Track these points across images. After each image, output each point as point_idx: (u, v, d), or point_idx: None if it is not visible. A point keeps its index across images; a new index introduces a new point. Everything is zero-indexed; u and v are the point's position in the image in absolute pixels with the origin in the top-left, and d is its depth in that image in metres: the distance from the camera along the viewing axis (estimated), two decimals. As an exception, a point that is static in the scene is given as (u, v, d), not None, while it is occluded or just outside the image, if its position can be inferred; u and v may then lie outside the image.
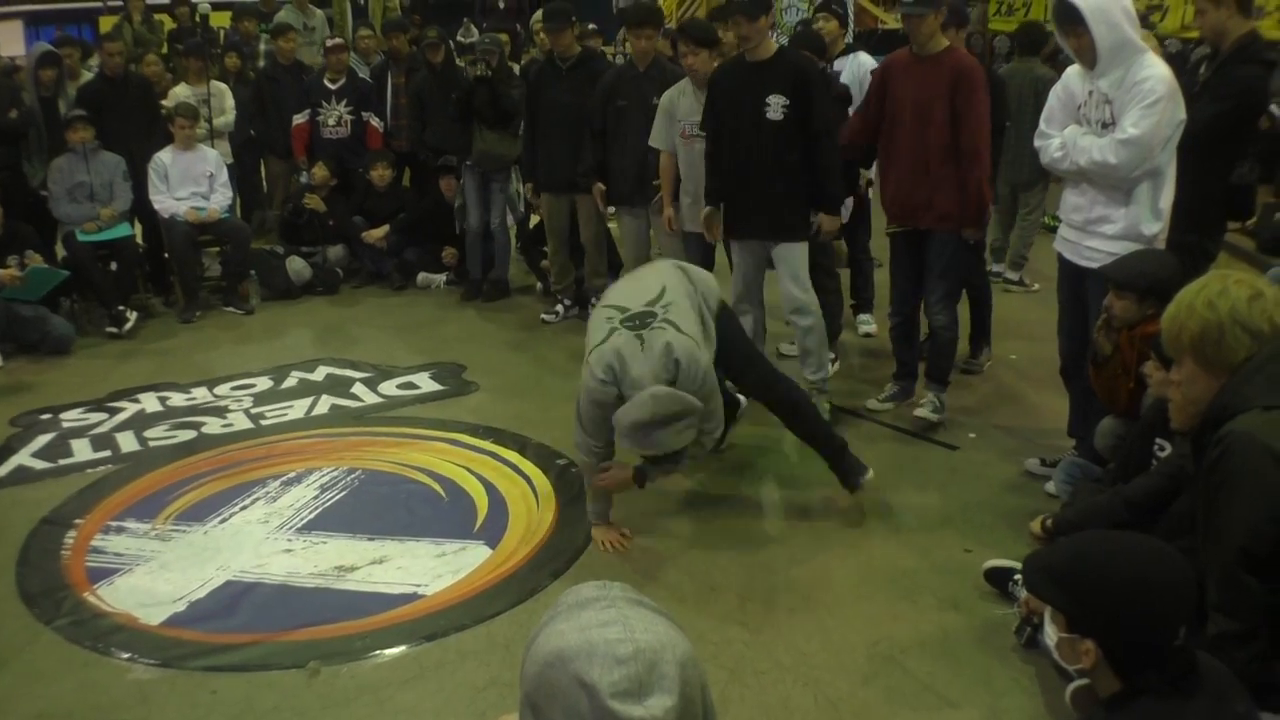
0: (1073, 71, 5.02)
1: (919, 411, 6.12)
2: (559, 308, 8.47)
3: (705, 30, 6.82)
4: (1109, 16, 4.65)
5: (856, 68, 7.26)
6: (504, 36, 9.54)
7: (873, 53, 8.00)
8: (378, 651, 4.14)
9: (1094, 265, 4.88)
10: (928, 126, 5.77)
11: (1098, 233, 4.91)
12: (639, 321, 4.63)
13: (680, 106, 6.78)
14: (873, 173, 6.99)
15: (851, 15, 8.07)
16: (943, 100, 5.72)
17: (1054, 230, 5.41)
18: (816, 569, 4.68)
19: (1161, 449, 4.22)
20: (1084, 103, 4.92)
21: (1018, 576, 4.23)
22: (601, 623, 1.42)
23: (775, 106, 5.94)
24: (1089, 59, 4.78)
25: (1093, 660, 2.40)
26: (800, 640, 4.15)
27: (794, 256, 6.14)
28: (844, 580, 4.58)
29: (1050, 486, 5.21)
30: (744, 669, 3.95)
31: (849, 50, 7.41)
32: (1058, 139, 5.01)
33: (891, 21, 15.45)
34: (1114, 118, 4.76)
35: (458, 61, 9.64)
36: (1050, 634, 3.38)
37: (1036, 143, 5.17)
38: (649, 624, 1.43)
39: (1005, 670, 3.93)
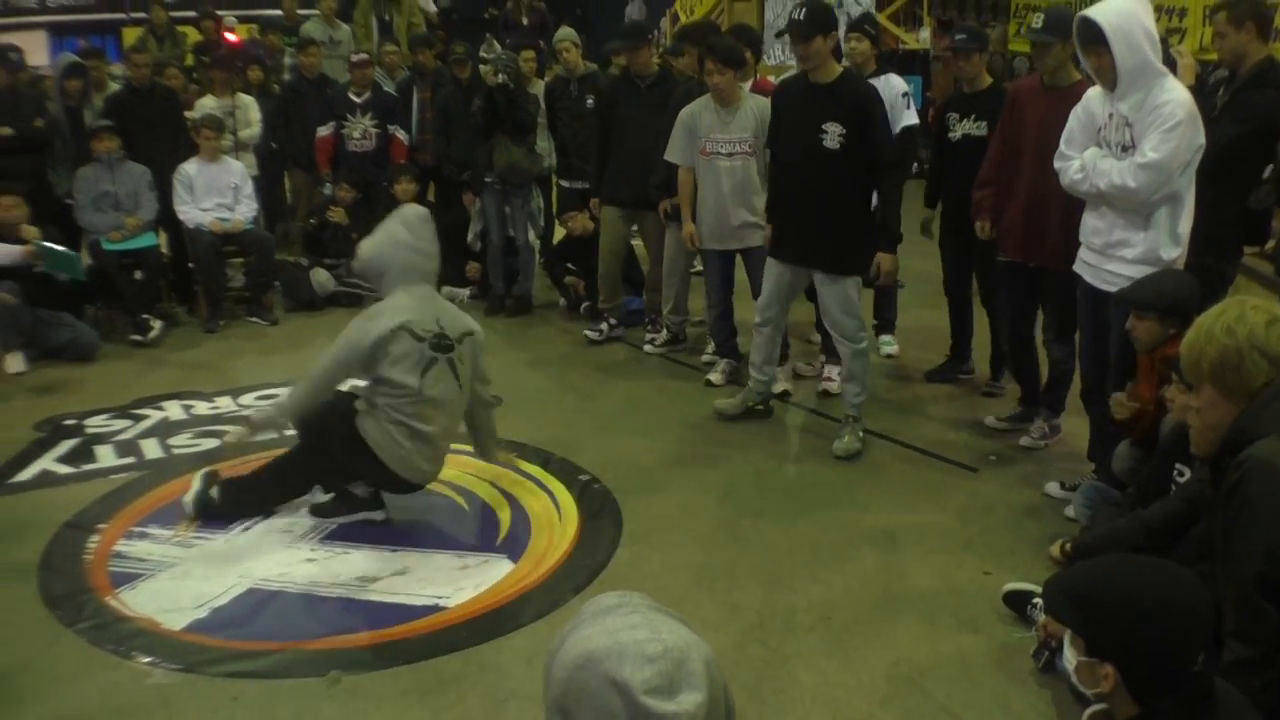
0: (1093, 93, 5.03)
1: (1024, 441, 6.16)
2: (603, 325, 8.42)
3: (732, 50, 6.82)
4: (1130, 38, 4.66)
5: (888, 90, 7.28)
6: (530, 54, 9.56)
7: (900, 73, 8.01)
8: (399, 662, 4.16)
9: (1113, 289, 4.89)
10: (1049, 160, 5.39)
11: (1117, 256, 4.91)
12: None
13: (702, 122, 6.82)
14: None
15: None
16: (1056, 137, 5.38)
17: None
18: (836, 589, 4.69)
19: (1181, 474, 4.23)
20: (1104, 125, 4.92)
21: (1036, 600, 4.23)
22: (629, 625, 1.46)
23: (832, 135, 5.82)
24: (1109, 80, 4.79)
25: (1111, 684, 2.41)
26: (819, 660, 4.15)
27: (844, 292, 6.08)
28: (863, 601, 4.59)
29: (1070, 510, 5.22)
30: (763, 687, 3.96)
31: (880, 71, 7.41)
32: (1078, 161, 5.00)
33: (913, 42, 15.50)
34: (1134, 141, 4.76)
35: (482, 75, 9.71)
36: (1069, 658, 3.38)
37: (1056, 164, 5.15)
38: (672, 627, 1.47)
39: (1023, 694, 3.93)
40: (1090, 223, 5.07)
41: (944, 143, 6.79)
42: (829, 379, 7.08)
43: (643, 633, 1.43)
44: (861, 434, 6.24)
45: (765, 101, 6.68)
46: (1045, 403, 6.20)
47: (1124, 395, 4.73)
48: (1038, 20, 5.82)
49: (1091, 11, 4.76)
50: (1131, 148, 4.76)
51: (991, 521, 5.29)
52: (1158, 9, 15.06)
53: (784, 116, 6.15)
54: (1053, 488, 5.53)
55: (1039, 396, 6.25)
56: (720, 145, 6.77)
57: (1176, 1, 11.66)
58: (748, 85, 7.14)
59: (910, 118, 7.37)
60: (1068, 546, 4.53)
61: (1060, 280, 5.58)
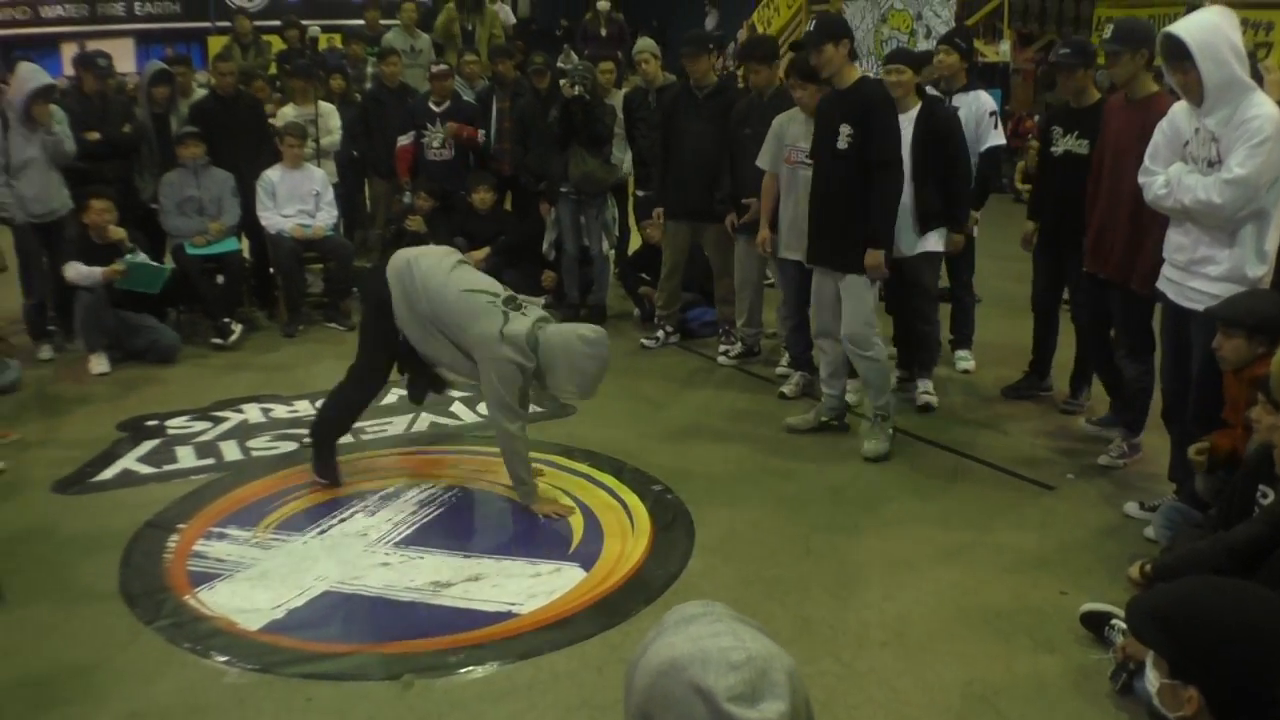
0: (1179, 108, 4.96)
1: (1102, 459, 6.10)
2: (659, 333, 8.49)
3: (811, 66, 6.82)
4: (1217, 53, 4.59)
5: (976, 107, 7.21)
6: (609, 66, 9.58)
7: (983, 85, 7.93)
8: (471, 667, 4.17)
9: (1197, 307, 4.81)
10: (1121, 176, 5.49)
11: (1201, 274, 4.84)
12: (513, 303, 5.43)
13: (789, 131, 6.85)
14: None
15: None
16: (1134, 150, 5.35)
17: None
18: (910, 605, 4.65)
19: (1265, 495, 4.15)
20: (1190, 140, 4.85)
21: (1114, 621, 4.18)
22: (713, 633, 1.46)
23: (843, 136, 5.95)
24: (1195, 96, 4.72)
25: (1195, 708, 2.37)
26: (893, 676, 4.12)
27: (856, 289, 6.11)
28: (938, 618, 4.54)
29: (1149, 531, 5.11)
30: (836, 703, 3.93)
31: (969, 87, 7.36)
32: (1162, 176, 4.93)
33: (992, 55, 15.37)
34: (1220, 156, 4.68)
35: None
36: (1151, 680, 3.32)
37: (1141, 179, 5.07)
38: (754, 636, 1.47)
39: (1099, 716, 3.87)
40: (1174, 239, 4.99)
41: (1047, 155, 6.69)
42: (925, 393, 7.04)
43: (727, 640, 1.43)
44: (891, 432, 6.29)
45: None
46: (1123, 421, 6.13)
47: (1197, 448, 4.64)
48: (1108, 30, 5.81)
49: (1176, 27, 4.70)
50: (1218, 163, 4.69)
51: (1069, 540, 5.22)
52: (1244, 23, 14.85)
53: (817, 125, 6.30)
54: (1132, 508, 5.44)
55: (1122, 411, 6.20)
56: (804, 155, 6.76)
57: (1263, 16, 11.50)
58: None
59: (997, 138, 7.33)
60: (1147, 568, 4.44)
61: (1126, 296, 5.61)
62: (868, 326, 6.16)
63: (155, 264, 8.29)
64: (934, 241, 6.82)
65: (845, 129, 5.94)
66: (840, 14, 15.66)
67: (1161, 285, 5.11)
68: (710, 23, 22.10)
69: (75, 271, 7.80)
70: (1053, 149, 6.54)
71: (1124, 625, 4.00)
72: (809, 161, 6.63)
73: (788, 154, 6.86)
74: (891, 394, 6.41)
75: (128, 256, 7.96)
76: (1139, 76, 5.60)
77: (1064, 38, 8.63)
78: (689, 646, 1.44)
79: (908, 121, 6.62)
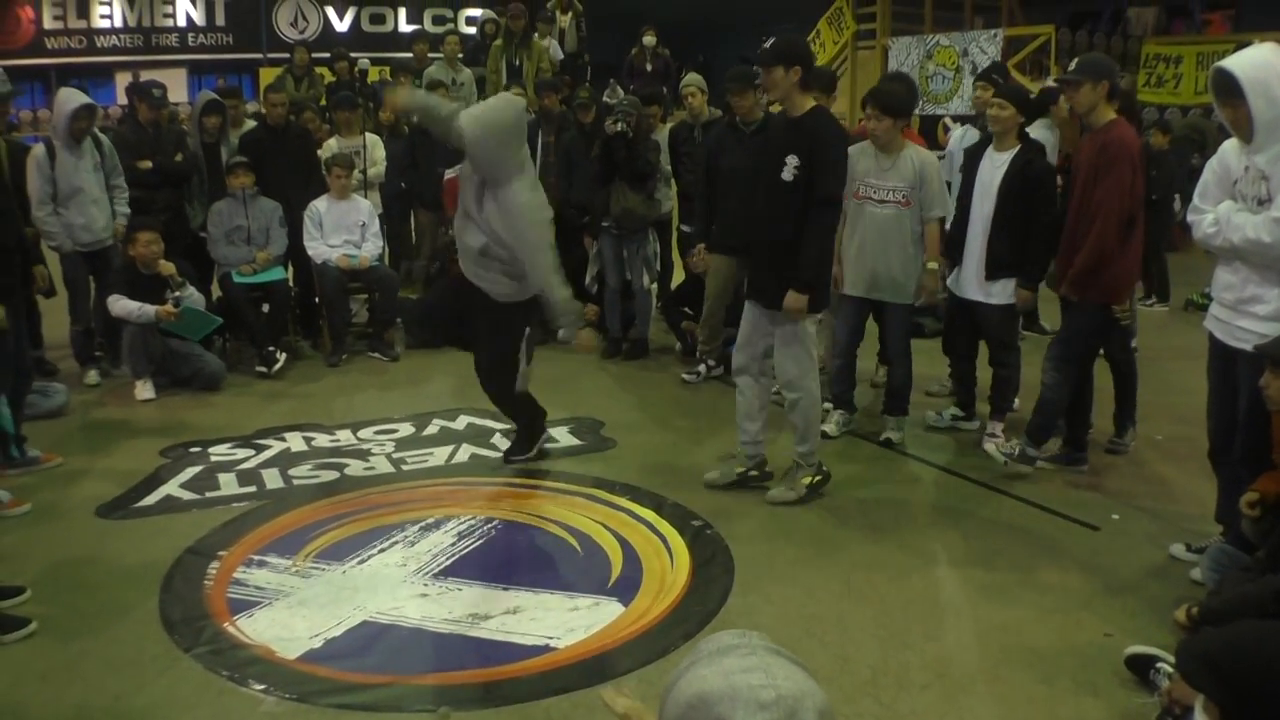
0: (1229, 146, 4.90)
1: (986, 445, 6.50)
2: (701, 368, 8.48)
3: (892, 98, 6.79)
4: (1268, 90, 4.54)
5: None
6: (655, 109, 9.58)
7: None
8: (508, 702, 4.15)
9: (1245, 346, 4.74)
10: (1085, 201, 5.87)
11: (1249, 312, 4.77)
12: None
13: (859, 166, 6.71)
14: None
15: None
16: (1092, 173, 5.80)
17: (1205, 308, 5.28)
18: (951, 645, 4.59)
19: (1316, 539, 4.09)
20: (1239, 178, 4.79)
21: (1161, 664, 4.10)
22: (744, 669, 1.44)
23: (789, 167, 5.72)
24: (1245, 132, 4.67)
25: (1244, 754, 2.33)
26: (933, 718, 4.07)
27: (790, 328, 5.93)
28: (979, 659, 4.48)
29: (1196, 573, 5.03)
30: (874, 742, 3.89)
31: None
32: (1211, 214, 4.87)
33: (1036, 89, 15.32)
34: (1270, 194, 4.62)
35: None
36: (1201, 724, 3.29)
37: (1190, 218, 5.04)
38: (789, 672, 1.45)
39: (1145, 761, 3.81)
40: (1222, 278, 4.94)
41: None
42: (992, 434, 6.93)
43: (757, 677, 1.42)
44: (807, 482, 6.11)
45: (929, 155, 6.66)
46: (1027, 428, 6.37)
47: (1248, 500, 4.57)
48: (1073, 64, 6.05)
49: (1228, 62, 4.66)
50: (1268, 201, 4.63)
51: (1113, 582, 5.14)
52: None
53: (763, 149, 6.06)
54: (1178, 549, 5.37)
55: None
56: (873, 191, 6.71)
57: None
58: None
59: None
60: (1194, 611, 4.38)
61: (1069, 307, 6.14)
62: (797, 366, 5.96)
63: (206, 313, 8.36)
64: (1004, 292, 6.64)
65: (792, 160, 5.70)
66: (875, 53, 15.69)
67: (1209, 324, 5.06)
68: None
69: (121, 307, 7.87)
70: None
71: (1170, 669, 3.94)
72: (879, 198, 6.60)
73: (856, 189, 6.74)
74: (815, 445, 6.15)
75: (177, 294, 8.02)
76: (1099, 106, 5.85)
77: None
78: (719, 681, 1.42)
79: (1003, 161, 6.53)
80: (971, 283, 6.73)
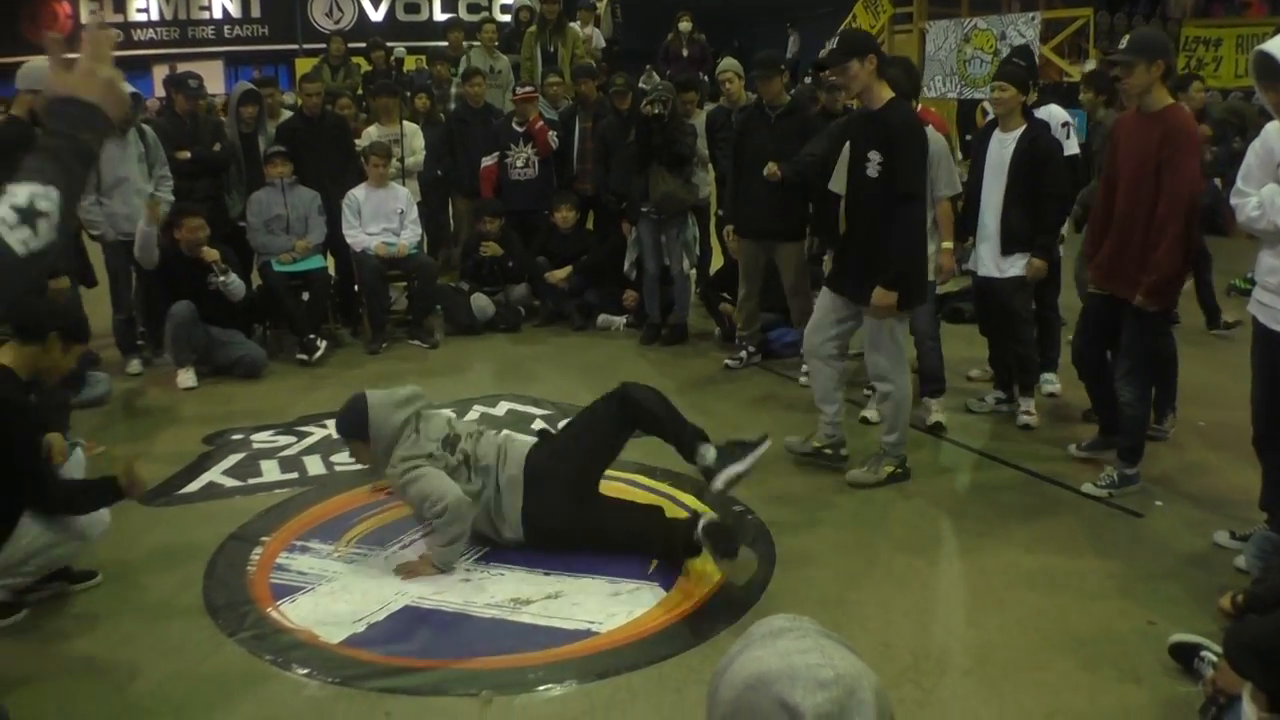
0: (1273, 128, 4.83)
1: (1086, 488, 5.97)
2: (743, 354, 8.47)
3: (893, 82, 6.70)
4: None
5: (1050, 119, 7.15)
6: (691, 95, 9.56)
7: (1064, 105, 7.88)
8: (550, 685, 4.16)
9: (1290, 330, 4.69)
10: (1138, 192, 5.57)
11: (1294, 297, 4.71)
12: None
13: None
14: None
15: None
16: (1153, 162, 5.48)
17: (1247, 293, 5.21)
18: (992, 632, 4.56)
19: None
20: (1283, 161, 4.73)
21: (1205, 653, 4.07)
22: (801, 650, 1.44)
23: (873, 163, 5.75)
24: (1288, 115, 4.61)
25: (1295, 741, 2.31)
26: (976, 705, 4.04)
27: (881, 325, 5.96)
28: (1021, 646, 4.45)
29: (1240, 561, 4.99)
30: (917, 727, 3.88)
31: (1041, 102, 7.30)
32: (1255, 198, 4.80)
33: (1077, 74, 15.21)
34: (1314, 177, 4.57)
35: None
36: (1248, 714, 3.25)
37: (1233, 200, 4.97)
38: (842, 654, 1.45)
39: (1189, 749, 3.77)
40: (1267, 262, 4.87)
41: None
42: (1026, 413, 6.95)
43: (815, 657, 1.41)
44: (889, 471, 6.13)
45: (937, 136, 6.62)
46: (1118, 451, 6.00)
47: None
48: (1124, 41, 5.73)
49: (1269, 45, 4.59)
50: (1313, 184, 4.57)
51: (1156, 569, 5.09)
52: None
53: (851, 144, 6.11)
54: (1222, 536, 5.31)
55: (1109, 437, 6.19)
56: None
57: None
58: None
59: (1070, 148, 7.26)
60: (1239, 598, 4.33)
61: (1131, 313, 5.65)
62: (887, 359, 6.02)
63: None
64: (1018, 266, 6.72)
65: (875, 155, 5.74)
66: (913, 34, 15.62)
67: (1252, 308, 4.99)
68: (792, 47, 22.11)
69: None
70: None
71: (1214, 657, 3.90)
72: None
73: None
74: (903, 438, 6.17)
75: (220, 279, 8.08)
76: (1153, 88, 5.54)
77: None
78: (777, 662, 1.42)
79: (1010, 140, 6.59)
80: (987, 260, 6.80)
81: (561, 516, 5.19)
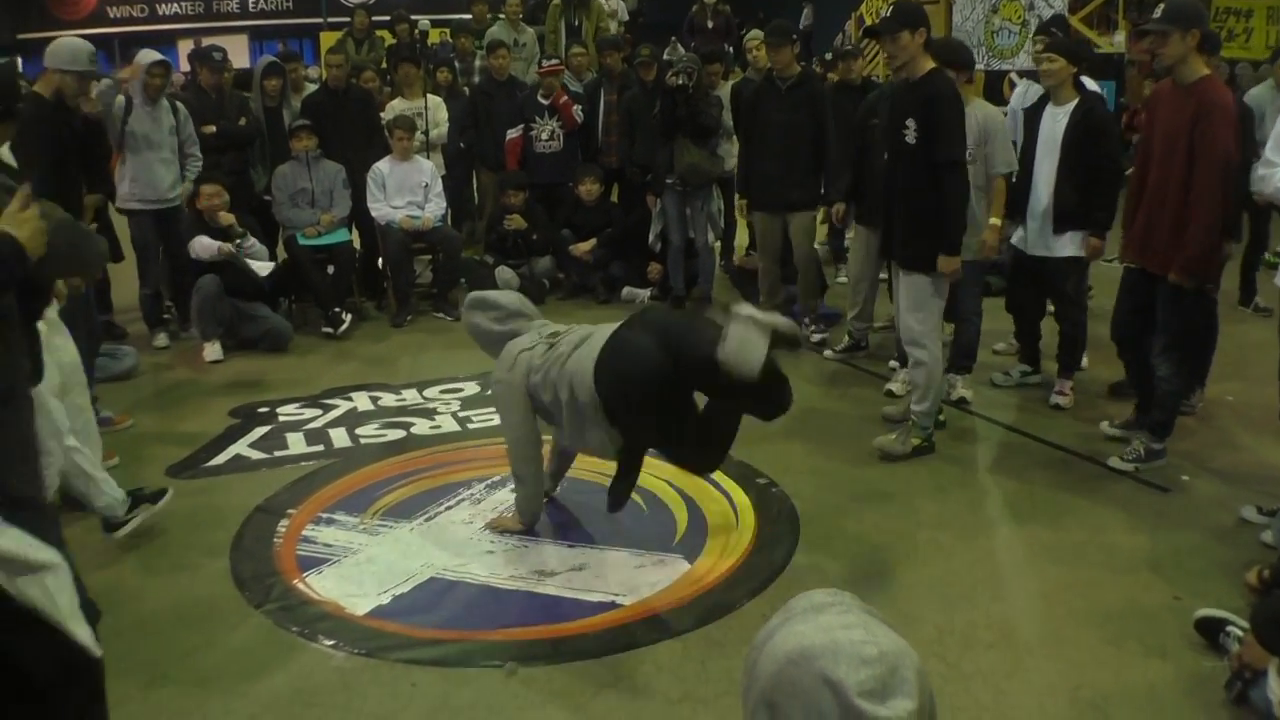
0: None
1: (1113, 461, 5.93)
2: None
3: (949, 53, 6.65)
4: None
5: None
6: (716, 67, 9.51)
7: (1094, 78, 7.78)
8: (575, 658, 4.17)
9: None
10: (1171, 164, 5.49)
11: (1324, 270, 4.67)
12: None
13: None
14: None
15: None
16: (1185, 135, 5.40)
17: (1276, 267, 5.17)
18: (1017, 606, 4.56)
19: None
20: (1311, 130, 4.68)
21: (1231, 628, 4.04)
22: (845, 625, 1.44)
23: (910, 131, 5.79)
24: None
25: (1321, 716, 2.30)
26: (1000, 678, 4.03)
27: (915, 287, 5.99)
28: (1046, 620, 4.45)
29: (1267, 536, 4.96)
30: (941, 704, 3.78)
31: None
32: None
33: (1107, 45, 15.07)
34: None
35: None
36: (1274, 688, 3.24)
37: (1260, 171, 4.92)
38: (885, 631, 1.45)
39: (1214, 724, 3.75)
40: (1294, 234, 4.83)
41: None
42: (1060, 393, 6.88)
43: (858, 634, 1.41)
44: (917, 441, 6.13)
45: (994, 110, 6.58)
46: (1148, 424, 5.96)
47: None
48: (1158, 10, 5.54)
49: None
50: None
51: (1182, 544, 5.07)
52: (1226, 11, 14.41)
53: (887, 115, 6.19)
54: (1249, 512, 5.26)
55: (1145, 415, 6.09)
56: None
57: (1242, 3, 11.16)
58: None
59: None
60: (1265, 573, 4.32)
61: (1166, 289, 5.57)
62: (921, 325, 6.01)
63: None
64: (1071, 245, 6.58)
65: (911, 123, 5.79)
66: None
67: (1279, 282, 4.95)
68: (806, 19, 21.96)
69: (202, 245, 8.06)
70: None
71: (1240, 632, 3.89)
72: None
73: None
74: (933, 408, 6.18)
75: (239, 241, 8.10)
76: (1189, 59, 5.44)
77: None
78: (820, 637, 1.42)
79: (1063, 114, 6.49)
80: (1037, 238, 6.66)
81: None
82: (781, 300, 8.43)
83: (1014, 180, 6.75)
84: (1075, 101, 6.49)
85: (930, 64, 5.82)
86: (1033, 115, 6.80)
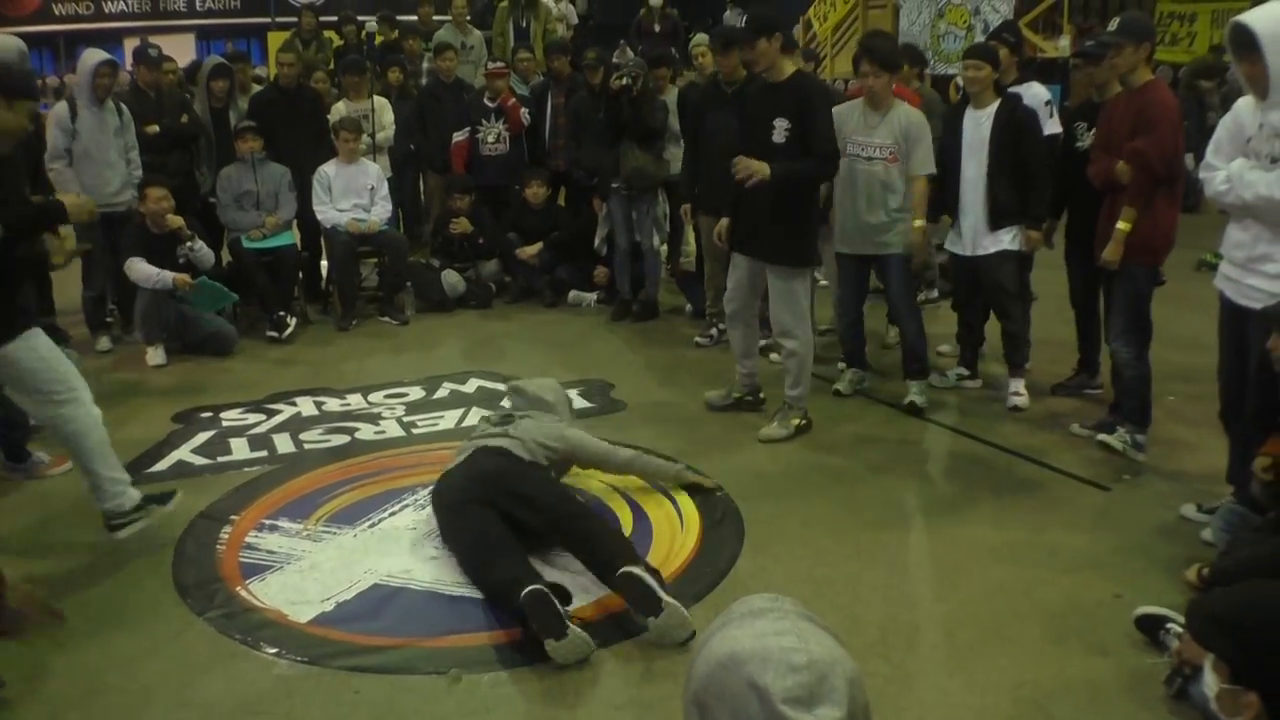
0: (1244, 103, 4.85)
1: (1101, 438, 6.14)
2: (713, 331, 8.46)
3: (890, 54, 6.83)
4: None
5: (1032, 98, 7.14)
6: (664, 71, 9.48)
7: (1043, 81, 7.87)
8: (519, 663, 4.16)
9: (1255, 304, 4.70)
10: (1113, 161, 5.91)
11: (1259, 271, 4.72)
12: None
13: (848, 123, 6.73)
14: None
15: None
16: (1130, 134, 5.80)
17: (1215, 268, 5.24)
18: (960, 606, 4.59)
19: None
20: (1253, 135, 4.73)
21: (1170, 625, 4.10)
22: (777, 631, 1.44)
23: (780, 130, 6.08)
24: (1261, 89, 4.62)
25: (1254, 713, 2.33)
26: (943, 678, 4.07)
27: (781, 279, 6.34)
28: (988, 619, 4.48)
29: (1207, 534, 5.02)
30: (884, 704, 3.88)
31: (1022, 79, 7.31)
32: (1223, 172, 4.82)
33: (1052, 50, 15.22)
34: (1283, 153, 4.60)
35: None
36: (1210, 684, 3.28)
37: (1201, 174, 5.00)
38: (820, 638, 1.45)
39: (1154, 721, 3.81)
40: (1233, 236, 4.90)
41: (1070, 151, 6.74)
42: (1016, 394, 6.95)
43: (789, 640, 1.42)
44: (795, 424, 6.51)
45: (917, 113, 6.74)
46: (1127, 414, 6.12)
47: (1262, 464, 4.53)
48: (1113, 23, 6.06)
49: (1246, 17, 4.60)
50: (1280, 160, 4.59)
51: (1123, 542, 5.13)
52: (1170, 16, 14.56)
53: (746, 116, 6.42)
54: (1189, 509, 5.34)
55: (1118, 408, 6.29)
56: (861, 148, 6.70)
57: (1187, 8, 11.34)
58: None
59: (1053, 126, 7.25)
60: (1205, 571, 4.38)
61: (1114, 277, 6.02)
62: (791, 315, 6.37)
63: (222, 288, 8.31)
64: (1008, 240, 6.74)
65: (782, 123, 6.08)
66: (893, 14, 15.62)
67: (1219, 283, 5.02)
68: (733, 21, 22.02)
69: (139, 271, 7.89)
70: (1078, 144, 6.70)
71: (1180, 629, 3.94)
72: (866, 155, 6.62)
73: (844, 147, 6.69)
74: (806, 390, 6.55)
75: (189, 244, 8.03)
76: (1138, 67, 5.90)
77: (1094, 33, 8.69)
78: (751, 643, 1.43)
79: (986, 117, 6.65)
80: (969, 239, 6.82)
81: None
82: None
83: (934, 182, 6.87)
84: (997, 104, 6.70)
85: (791, 66, 6.25)
86: (951, 119, 7.02)
